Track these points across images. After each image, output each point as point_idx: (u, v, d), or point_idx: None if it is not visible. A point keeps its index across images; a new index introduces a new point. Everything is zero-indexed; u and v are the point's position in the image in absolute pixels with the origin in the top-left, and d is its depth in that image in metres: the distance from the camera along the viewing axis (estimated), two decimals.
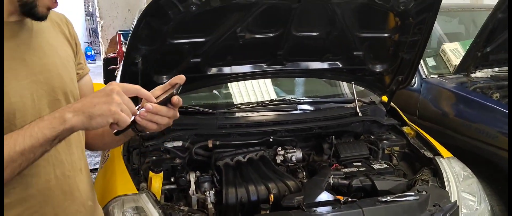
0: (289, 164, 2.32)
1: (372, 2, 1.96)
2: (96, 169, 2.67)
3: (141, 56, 1.95)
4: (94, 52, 13.13)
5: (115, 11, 7.56)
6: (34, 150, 0.94)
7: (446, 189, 2.08)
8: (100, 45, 8.09)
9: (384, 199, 1.87)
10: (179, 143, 2.30)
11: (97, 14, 7.94)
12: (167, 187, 2.09)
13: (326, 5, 1.98)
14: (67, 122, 0.95)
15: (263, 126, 2.38)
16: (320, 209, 1.81)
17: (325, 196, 1.90)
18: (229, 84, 2.80)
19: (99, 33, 7.91)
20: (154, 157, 2.26)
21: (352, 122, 2.52)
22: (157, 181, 1.95)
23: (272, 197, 1.99)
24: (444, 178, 2.14)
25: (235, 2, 1.83)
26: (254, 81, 2.86)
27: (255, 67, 2.32)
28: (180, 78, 1.11)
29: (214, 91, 2.89)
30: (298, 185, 2.07)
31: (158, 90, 1.11)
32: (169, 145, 2.29)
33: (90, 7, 13.92)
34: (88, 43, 13.97)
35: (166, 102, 1.08)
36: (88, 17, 14.23)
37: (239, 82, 2.80)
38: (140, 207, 1.79)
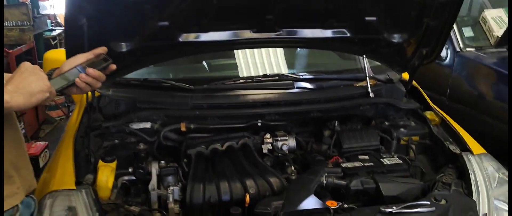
0: (279, 154, 1.90)
1: None
2: None
3: (86, 17, 1.54)
4: None
5: None
6: None
7: (474, 196, 1.61)
8: None
9: (388, 209, 1.43)
10: (148, 125, 1.92)
11: None
12: (126, 178, 1.73)
13: None
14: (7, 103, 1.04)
15: (250, 108, 1.96)
16: None
17: (312, 202, 1.48)
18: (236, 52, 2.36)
19: None
20: (116, 141, 1.90)
21: (361, 104, 2.06)
22: (105, 172, 1.59)
23: (248, 199, 1.59)
24: (472, 182, 1.67)
25: None
26: (263, 50, 2.41)
27: (239, 34, 1.88)
28: (103, 49, 1.35)
29: (203, 62, 2.47)
30: (283, 184, 1.66)
31: (81, 58, 1.29)
32: (135, 126, 1.92)
33: None
34: None
35: (104, 68, 1.31)
36: None
37: (240, 51, 2.37)
38: (73, 207, 1.43)
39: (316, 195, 1.61)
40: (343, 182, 1.64)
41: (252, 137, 1.93)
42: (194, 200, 1.61)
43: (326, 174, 1.66)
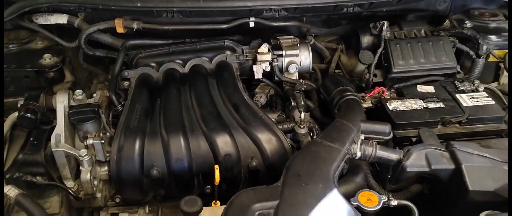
0: (285, 81, 1.12)
1: None
2: None
3: None
4: None
5: None
6: None
7: None
8: None
9: None
10: (63, 19, 1.14)
11: None
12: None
13: None
14: None
15: None
16: None
17: (332, 205, 0.75)
18: None
19: None
20: (12, 46, 1.14)
21: None
22: None
23: (217, 175, 0.88)
24: None
25: None
26: None
27: None
28: None
29: None
30: (286, 148, 0.93)
31: None
32: (42, 20, 1.14)
33: None
34: None
35: None
36: None
37: None
38: None
39: (342, 180, 0.90)
40: (394, 156, 0.88)
41: (239, 49, 1.14)
42: (123, 170, 0.91)
43: (362, 138, 0.90)
